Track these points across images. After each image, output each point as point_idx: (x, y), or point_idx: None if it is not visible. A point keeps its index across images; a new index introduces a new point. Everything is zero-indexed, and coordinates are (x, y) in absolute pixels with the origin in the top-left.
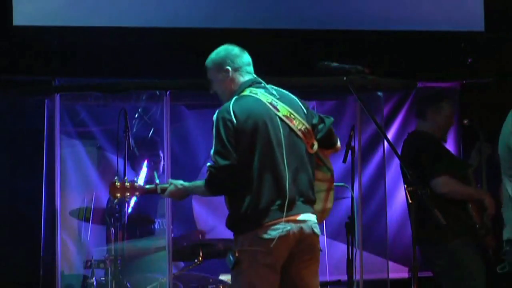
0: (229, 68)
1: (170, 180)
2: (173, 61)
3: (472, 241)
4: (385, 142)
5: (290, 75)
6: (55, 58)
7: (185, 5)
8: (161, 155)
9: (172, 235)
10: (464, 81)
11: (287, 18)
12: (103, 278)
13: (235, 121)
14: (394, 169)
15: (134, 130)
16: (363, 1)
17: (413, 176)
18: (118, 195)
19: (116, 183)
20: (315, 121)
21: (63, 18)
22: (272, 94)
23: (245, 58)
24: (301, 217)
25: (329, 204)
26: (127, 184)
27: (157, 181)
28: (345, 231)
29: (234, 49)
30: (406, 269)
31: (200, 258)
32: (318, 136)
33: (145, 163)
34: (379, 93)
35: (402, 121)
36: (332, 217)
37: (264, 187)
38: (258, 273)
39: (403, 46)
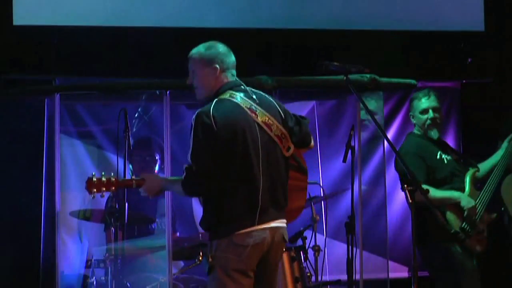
0: (217, 66)
1: (144, 175)
2: (173, 61)
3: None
4: (385, 142)
5: (290, 75)
6: (55, 58)
7: (186, 5)
8: (157, 157)
9: (178, 234)
10: (464, 81)
11: (287, 18)
12: (103, 278)
13: (214, 127)
14: (394, 169)
15: (134, 130)
16: (363, 1)
17: (413, 176)
18: (95, 190)
19: (93, 179)
20: (291, 123)
21: (63, 18)
22: (251, 98)
23: (232, 59)
24: (274, 224)
25: (302, 202)
26: (104, 179)
27: (133, 176)
28: (345, 231)
29: (224, 48)
30: (406, 269)
31: (200, 258)
32: (294, 140)
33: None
34: (379, 93)
35: (402, 121)
36: (332, 217)
37: (239, 194)
38: (232, 278)
39: (403, 46)
